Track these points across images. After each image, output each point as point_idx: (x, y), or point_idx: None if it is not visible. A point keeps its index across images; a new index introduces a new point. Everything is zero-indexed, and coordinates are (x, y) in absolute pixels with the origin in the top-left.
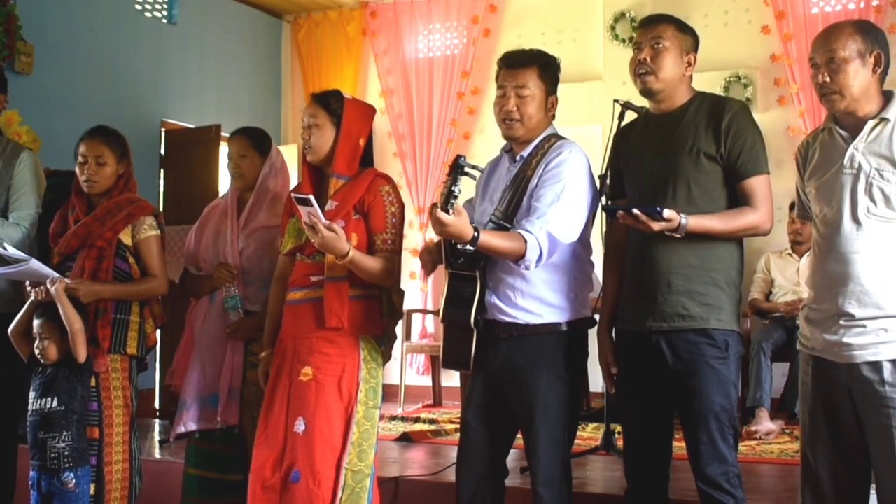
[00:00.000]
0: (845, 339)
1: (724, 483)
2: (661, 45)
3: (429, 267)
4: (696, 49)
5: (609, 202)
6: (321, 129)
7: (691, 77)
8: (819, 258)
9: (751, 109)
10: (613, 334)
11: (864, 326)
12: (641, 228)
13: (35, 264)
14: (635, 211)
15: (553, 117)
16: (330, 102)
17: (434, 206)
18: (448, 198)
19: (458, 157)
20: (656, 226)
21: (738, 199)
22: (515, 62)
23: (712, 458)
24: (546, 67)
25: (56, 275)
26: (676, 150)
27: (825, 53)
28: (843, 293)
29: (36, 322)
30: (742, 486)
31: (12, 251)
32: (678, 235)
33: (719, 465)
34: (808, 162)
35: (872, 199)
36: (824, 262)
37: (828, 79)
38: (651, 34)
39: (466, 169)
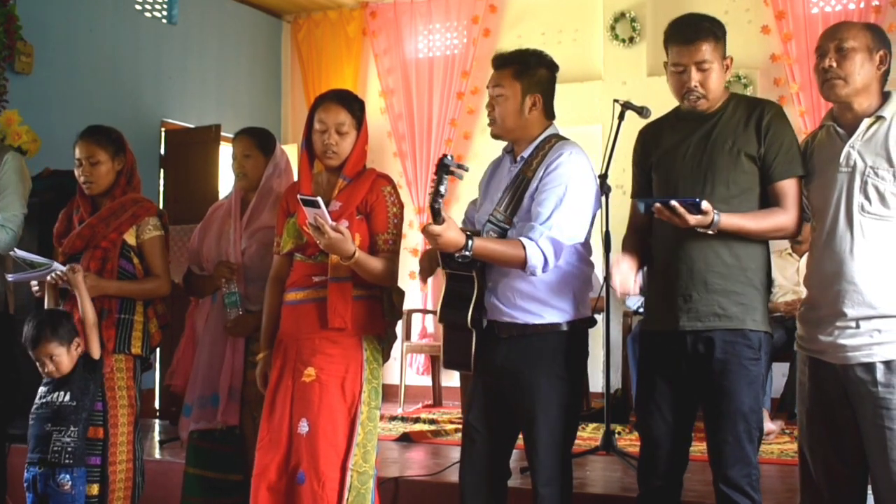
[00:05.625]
0: (839, 341)
1: (746, 485)
2: (706, 68)
3: (426, 273)
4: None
5: (638, 199)
6: (349, 134)
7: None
8: (815, 257)
9: None
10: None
11: (857, 326)
12: (676, 223)
13: (58, 267)
14: (673, 203)
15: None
16: (354, 107)
17: (427, 225)
18: (435, 197)
19: (444, 156)
20: (692, 219)
21: (768, 199)
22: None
23: (737, 459)
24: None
25: (77, 266)
26: (715, 148)
27: (835, 41)
28: (836, 292)
29: (32, 352)
30: (760, 488)
31: (35, 257)
32: (710, 232)
33: (743, 467)
34: (808, 161)
35: (867, 197)
36: (819, 261)
37: (834, 63)
38: (696, 58)
39: (452, 168)
